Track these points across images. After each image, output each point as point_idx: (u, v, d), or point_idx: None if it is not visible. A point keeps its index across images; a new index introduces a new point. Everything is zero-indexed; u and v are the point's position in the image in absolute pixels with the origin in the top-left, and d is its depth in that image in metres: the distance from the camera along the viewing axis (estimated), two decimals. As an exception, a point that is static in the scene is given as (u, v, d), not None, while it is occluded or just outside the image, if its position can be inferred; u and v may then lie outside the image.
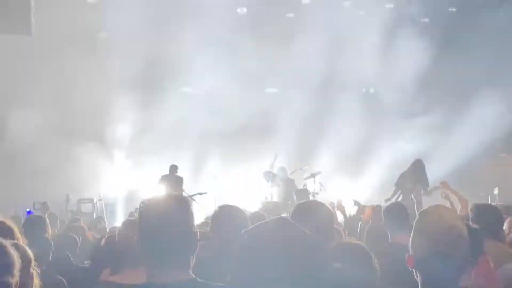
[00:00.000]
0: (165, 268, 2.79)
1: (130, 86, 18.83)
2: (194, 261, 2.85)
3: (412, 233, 2.95)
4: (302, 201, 4.69)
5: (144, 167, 19.44)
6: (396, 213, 6.15)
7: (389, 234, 6.07)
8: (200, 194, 16.71)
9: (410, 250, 2.94)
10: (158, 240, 2.79)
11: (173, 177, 16.56)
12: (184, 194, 14.96)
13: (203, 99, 20.26)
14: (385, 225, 6.23)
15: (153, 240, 2.80)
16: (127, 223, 4.09)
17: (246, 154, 19.75)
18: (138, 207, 2.91)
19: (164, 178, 16.52)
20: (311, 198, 15.71)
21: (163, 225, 2.79)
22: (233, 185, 19.44)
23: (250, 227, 2.37)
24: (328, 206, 4.26)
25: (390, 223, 6.11)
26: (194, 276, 2.84)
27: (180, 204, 2.89)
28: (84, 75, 18.66)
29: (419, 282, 2.94)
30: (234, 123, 19.56)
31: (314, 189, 17.40)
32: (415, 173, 13.86)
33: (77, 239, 8.00)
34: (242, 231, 2.30)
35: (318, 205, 4.16)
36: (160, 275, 2.79)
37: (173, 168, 16.87)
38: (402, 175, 14.20)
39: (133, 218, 4.44)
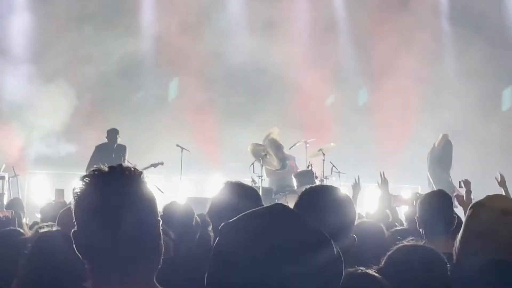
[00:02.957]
0: (117, 273, 2.11)
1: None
2: (159, 263, 2.18)
3: (461, 235, 2.49)
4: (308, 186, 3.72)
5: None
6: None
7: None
8: (154, 165, 12.93)
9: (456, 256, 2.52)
10: (106, 235, 2.07)
11: (112, 146, 12.68)
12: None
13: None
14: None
15: (101, 233, 2.08)
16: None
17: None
18: (76, 187, 2.14)
19: (101, 148, 12.77)
20: (318, 184, 12.19)
21: (116, 212, 2.06)
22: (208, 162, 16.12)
23: (233, 219, 1.81)
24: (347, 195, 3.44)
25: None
26: (157, 285, 2.19)
27: (137, 181, 2.12)
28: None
29: None
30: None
31: (323, 172, 13.24)
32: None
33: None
34: (222, 224, 1.82)
35: (335, 192, 3.30)
36: (109, 282, 2.12)
37: (113, 133, 12.71)
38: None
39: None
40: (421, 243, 3.19)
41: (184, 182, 13.98)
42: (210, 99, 16.90)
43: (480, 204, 2.49)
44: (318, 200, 3.17)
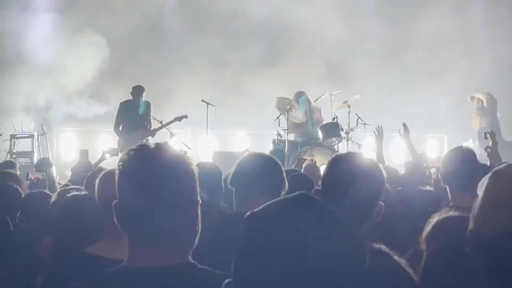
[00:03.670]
0: (154, 247, 2.15)
1: None
2: (194, 243, 2.22)
3: (480, 202, 2.35)
4: (336, 154, 3.49)
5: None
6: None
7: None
8: (179, 119, 12.59)
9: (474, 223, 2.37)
10: (149, 208, 2.13)
11: (137, 103, 12.44)
12: (156, 122, 12.50)
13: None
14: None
15: (143, 207, 2.13)
16: (107, 175, 3.13)
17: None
18: (121, 159, 2.20)
19: (126, 105, 12.56)
20: (343, 136, 12.56)
21: (162, 188, 2.13)
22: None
23: (259, 209, 1.76)
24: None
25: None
26: (192, 261, 2.21)
27: (184, 161, 2.19)
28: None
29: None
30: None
31: (349, 124, 12.91)
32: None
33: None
34: (248, 214, 1.75)
35: (361, 162, 3.04)
36: (145, 256, 2.15)
37: (138, 90, 12.43)
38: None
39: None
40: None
41: (210, 137, 13.90)
42: (232, 54, 16.61)
43: (500, 172, 2.40)
44: (344, 174, 2.99)
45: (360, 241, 1.74)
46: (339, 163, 3.06)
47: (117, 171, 2.22)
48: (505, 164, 2.57)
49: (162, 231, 2.14)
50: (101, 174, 3.32)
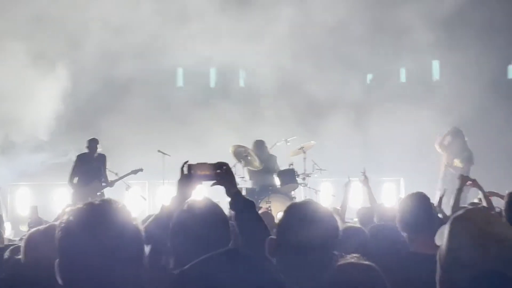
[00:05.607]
0: None
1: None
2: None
3: (446, 249, 2.42)
4: (291, 203, 3.36)
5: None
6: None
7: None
8: (135, 172, 12.69)
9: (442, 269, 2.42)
10: (94, 265, 2.13)
11: (92, 156, 12.50)
12: (111, 174, 12.57)
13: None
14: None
15: (88, 264, 2.14)
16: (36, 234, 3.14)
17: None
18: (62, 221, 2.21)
19: (82, 158, 12.52)
20: (300, 182, 12.80)
21: (105, 244, 2.14)
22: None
23: (187, 266, 1.85)
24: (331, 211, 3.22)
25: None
26: None
27: (128, 217, 2.23)
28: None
29: None
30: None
31: (305, 170, 13.08)
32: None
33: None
34: (178, 271, 1.87)
35: (315, 209, 3.07)
36: None
37: (93, 143, 12.47)
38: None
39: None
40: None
41: (167, 187, 13.84)
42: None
43: (462, 217, 2.52)
44: (298, 223, 3.03)
45: None
46: (294, 211, 3.08)
47: (58, 230, 2.21)
48: (463, 209, 2.67)
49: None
50: (28, 233, 3.21)
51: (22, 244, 3.16)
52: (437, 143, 13.46)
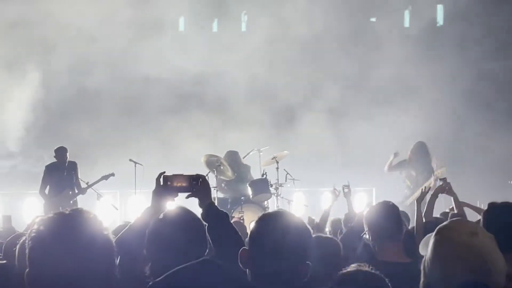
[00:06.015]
0: None
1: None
2: None
3: (430, 259, 2.50)
4: (264, 213, 3.29)
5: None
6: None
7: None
8: (106, 177, 12.54)
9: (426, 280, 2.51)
10: (63, 276, 2.11)
11: (63, 165, 12.31)
12: (82, 183, 12.34)
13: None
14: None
15: (57, 275, 2.12)
16: None
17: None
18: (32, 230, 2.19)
19: (52, 167, 12.38)
20: (273, 192, 12.71)
21: (75, 256, 2.13)
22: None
23: (161, 277, 1.91)
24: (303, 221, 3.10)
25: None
26: None
27: (100, 228, 2.23)
28: None
29: None
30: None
31: (278, 179, 12.98)
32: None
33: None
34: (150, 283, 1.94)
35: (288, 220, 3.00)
36: None
37: (62, 152, 12.31)
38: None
39: None
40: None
41: (139, 196, 13.74)
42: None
43: (446, 228, 2.58)
44: (271, 233, 2.99)
45: None
46: (265, 221, 3.06)
47: (28, 239, 2.19)
48: (449, 221, 2.72)
49: None
50: (22, 240, 3.23)
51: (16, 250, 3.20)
52: (387, 165, 13.20)
